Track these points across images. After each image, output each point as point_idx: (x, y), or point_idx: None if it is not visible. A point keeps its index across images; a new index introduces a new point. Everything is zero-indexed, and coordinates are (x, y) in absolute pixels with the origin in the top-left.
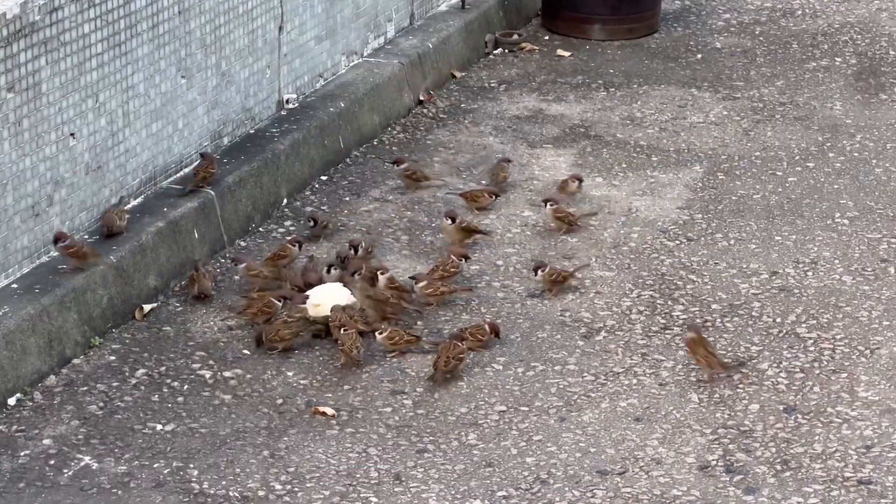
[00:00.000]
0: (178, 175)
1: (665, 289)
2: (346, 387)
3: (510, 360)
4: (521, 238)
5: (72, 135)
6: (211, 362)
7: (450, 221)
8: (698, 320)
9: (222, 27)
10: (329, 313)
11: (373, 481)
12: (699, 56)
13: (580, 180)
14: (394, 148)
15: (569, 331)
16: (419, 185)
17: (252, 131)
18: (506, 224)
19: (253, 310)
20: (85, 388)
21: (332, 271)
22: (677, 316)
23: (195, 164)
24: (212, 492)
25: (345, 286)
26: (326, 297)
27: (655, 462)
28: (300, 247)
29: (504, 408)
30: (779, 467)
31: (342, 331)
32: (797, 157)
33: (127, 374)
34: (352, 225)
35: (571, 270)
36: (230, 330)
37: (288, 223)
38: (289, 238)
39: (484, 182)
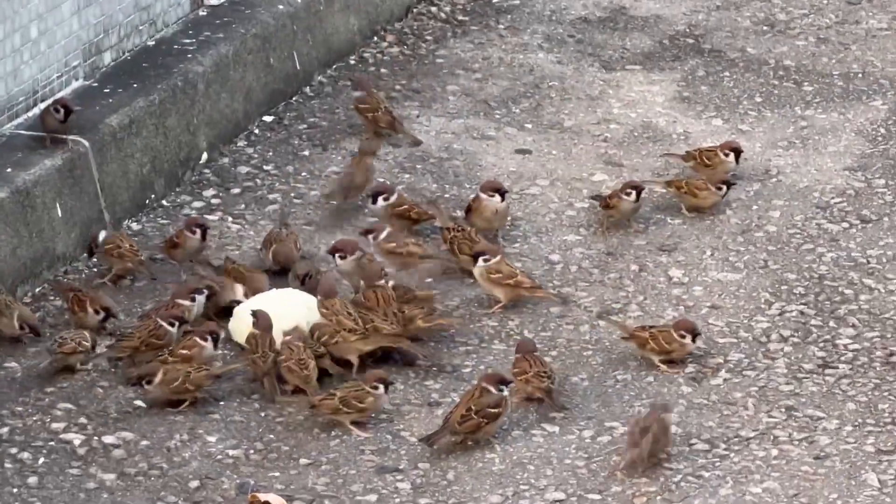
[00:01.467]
0: (31, 114)
1: (825, 301)
2: (303, 460)
3: (572, 418)
4: (588, 218)
5: None
6: (83, 420)
7: (499, 198)
8: (878, 352)
9: None
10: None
11: None
12: None
13: (638, 190)
14: (382, 70)
15: (665, 372)
16: (414, 224)
17: (151, 43)
18: (563, 194)
19: (133, 341)
20: None
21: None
22: (845, 345)
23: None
24: None
25: (309, 291)
26: (274, 316)
27: None
28: (203, 234)
29: (561, 496)
30: None
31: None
32: None
33: None
34: (313, 196)
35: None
36: (114, 369)
37: (209, 193)
38: (188, 219)
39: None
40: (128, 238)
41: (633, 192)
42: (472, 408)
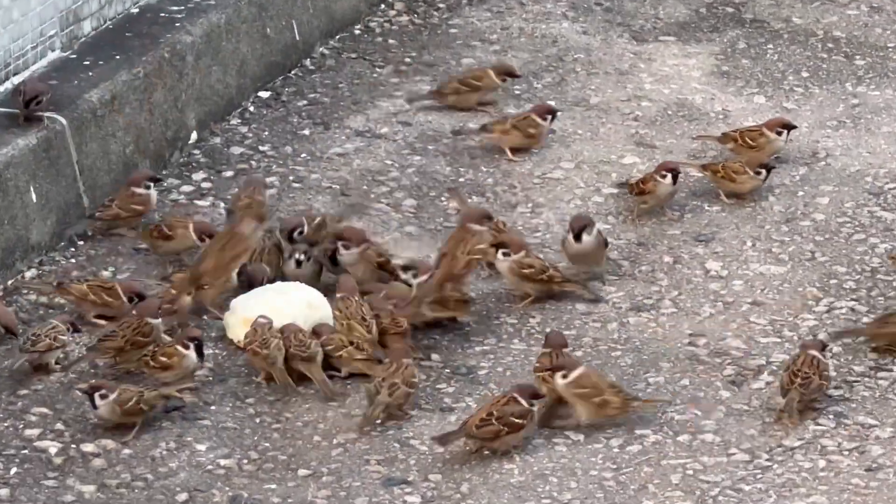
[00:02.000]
0: (2, 88)
1: (878, 297)
2: (302, 470)
3: (599, 425)
4: (617, 205)
5: None
6: (59, 427)
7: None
8: None
9: None
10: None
11: None
12: None
13: (675, 173)
14: (390, 41)
15: (703, 371)
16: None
17: (135, 10)
18: (589, 179)
19: (117, 340)
20: None
21: (302, 263)
22: None
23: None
24: None
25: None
26: (270, 309)
27: None
28: (201, 237)
29: None
30: None
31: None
32: None
33: None
34: (314, 181)
35: None
36: (94, 370)
37: (199, 176)
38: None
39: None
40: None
41: (669, 175)
42: (494, 413)
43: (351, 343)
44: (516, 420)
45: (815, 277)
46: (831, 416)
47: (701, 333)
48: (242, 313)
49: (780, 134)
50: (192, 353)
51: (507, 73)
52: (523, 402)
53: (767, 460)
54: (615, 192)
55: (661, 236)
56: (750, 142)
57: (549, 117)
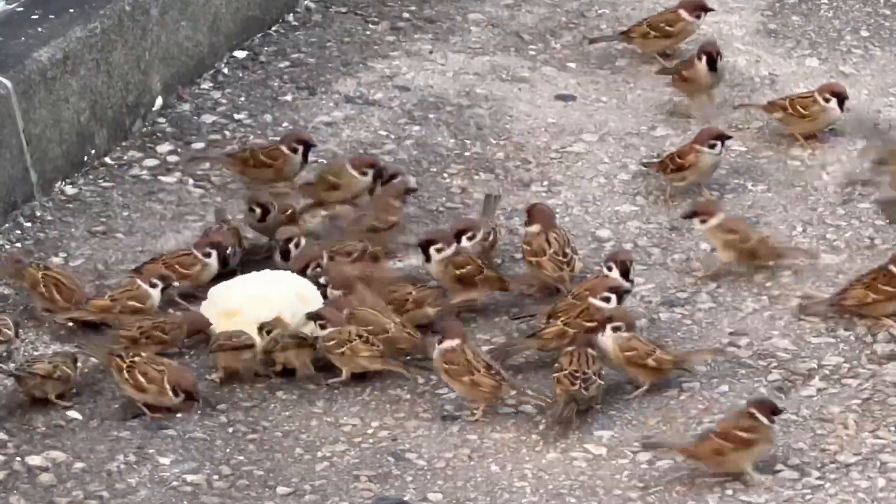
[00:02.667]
0: None
1: None
2: (282, 488)
3: (624, 438)
4: (647, 183)
5: None
6: (2, 436)
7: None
8: None
9: None
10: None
11: None
12: None
13: (722, 139)
14: None
15: (745, 376)
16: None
17: None
18: (615, 153)
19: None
20: None
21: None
22: None
23: None
24: None
25: (305, 274)
26: (250, 300)
27: None
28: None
29: None
30: None
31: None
32: None
33: None
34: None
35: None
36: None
37: (165, 147)
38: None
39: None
40: None
41: (718, 143)
42: (717, 429)
43: (359, 336)
44: (743, 435)
45: (874, 267)
46: (892, 429)
47: (743, 332)
48: (223, 304)
49: (827, 101)
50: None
51: (700, 8)
52: (761, 417)
53: (819, 478)
54: (644, 169)
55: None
56: (801, 110)
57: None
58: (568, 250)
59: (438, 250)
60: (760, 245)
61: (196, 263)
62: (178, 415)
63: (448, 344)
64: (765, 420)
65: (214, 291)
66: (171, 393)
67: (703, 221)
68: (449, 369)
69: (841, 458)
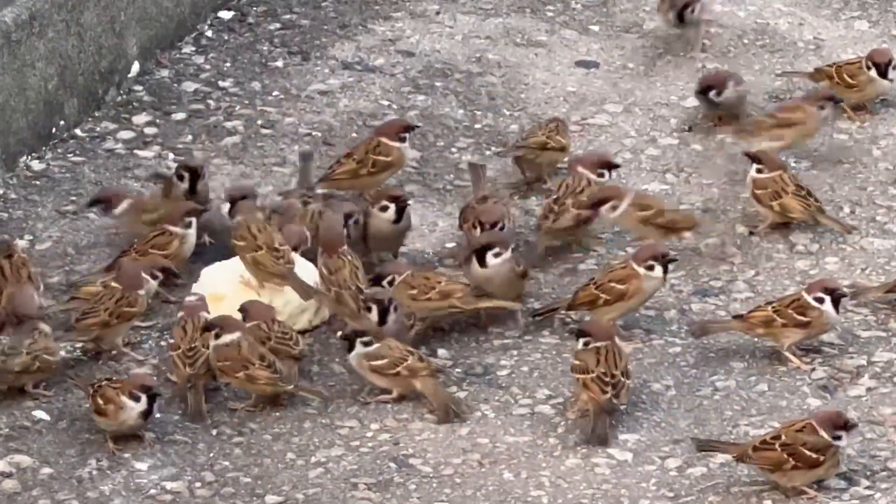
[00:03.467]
0: None
1: None
2: (271, 497)
3: (652, 441)
4: (677, 158)
5: None
6: None
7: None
8: None
9: None
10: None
11: None
12: None
13: (834, 101)
14: None
15: (787, 373)
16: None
17: None
18: (643, 126)
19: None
20: None
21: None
22: None
23: None
24: None
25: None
26: (237, 286)
27: None
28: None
29: None
30: None
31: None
32: None
33: None
34: (289, 126)
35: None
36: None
37: (142, 118)
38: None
39: None
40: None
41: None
42: (783, 437)
43: (261, 360)
44: (809, 453)
45: None
46: None
47: None
48: (210, 288)
49: (870, 69)
50: (136, 405)
51: None
52: (823, 433)
53: (868, 488)
54: (675, 143)
55: (733, 199)
56: (848, 79)
57: None
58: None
59: (496, 255)
60: (675, 215)
61: (173, 240)
62: (157, 415)
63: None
64: (832, 438)
65: (206, 273)
66: (129, 400)
67: (614, 208)
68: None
69: (893, 465)
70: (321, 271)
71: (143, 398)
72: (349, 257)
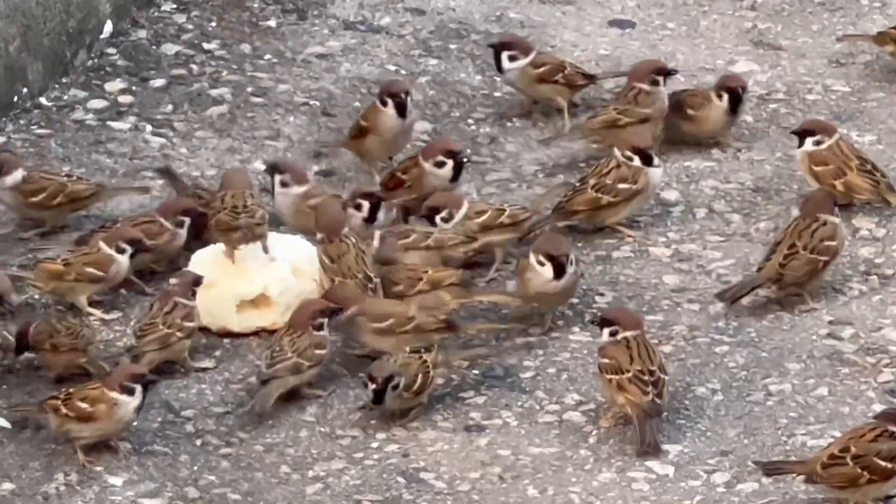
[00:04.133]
0: None
1: None
2: None
3: (697, 453)
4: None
5: None
6: None
7: None
8: None
9: None
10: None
11: None
12: None
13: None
14: None
15: (849, 376)
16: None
17: None
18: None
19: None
20: None
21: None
22: None
23: None
24: None
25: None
26: (228, 272)
27: None
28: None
29: None
30: None
31: None
32: None
33: None
34: (283, 94)
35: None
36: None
37: (116, 85)
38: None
39: None
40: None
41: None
42: (852, 449)
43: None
44: (884, 464)
45: None
46: None
47: (846, 321)
48: (200, 273)
49: None
50: (130, 400)
51: None
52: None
53: None
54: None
55: (787, 178)
56: None
57: None
58: None
59: (571, 263)
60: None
61: (163, 233)
62: (133, 423)
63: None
64: None
65: (197, 256)
66: (123, 395)
67: (446, 219)
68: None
69: None
70: (322, 261)
71: (138, 389)
72: (353, 240)
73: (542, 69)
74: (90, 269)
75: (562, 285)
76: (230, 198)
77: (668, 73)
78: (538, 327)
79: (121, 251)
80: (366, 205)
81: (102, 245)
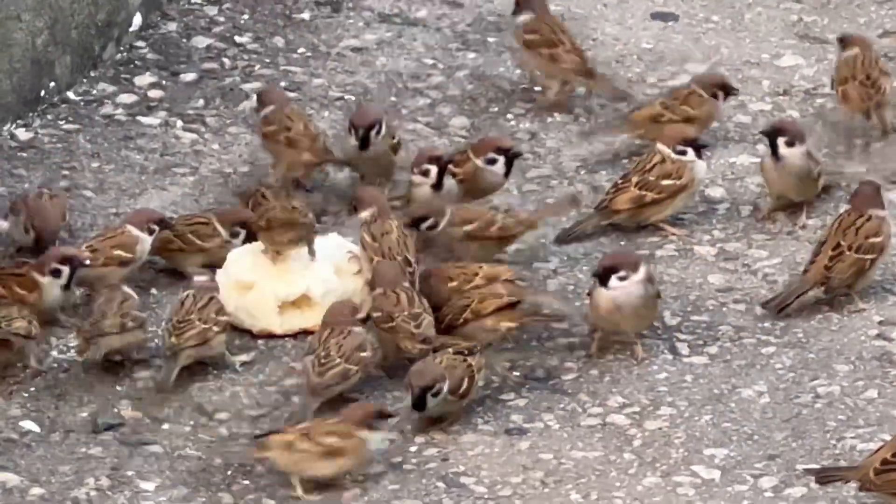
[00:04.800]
0: None
1: None
2: None
3: (744, 457)
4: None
5: None
6: None
7: None
8: None
9: None
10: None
11: None
12: None
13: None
14: None
15: None
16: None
17: None
18: None
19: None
20: None
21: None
22: None
23: None
24: None
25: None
26: (269, 272)
27: None
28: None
29: None
30: None
31: None
32: None
33: None
34: (318, 88)
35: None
36: None
37: (146, 80)
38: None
39: None
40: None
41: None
42: None
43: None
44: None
45: None
46: None
47: (891, 319)
48: (237, 274)
49: None
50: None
51: None
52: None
53: None
54: (769, 108)
55: (835, 174)
56: None
57: None
58: None
59: (622, 279)
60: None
61: (216, 236)
62: (166, 426)
63: None
64: None
65: (234, 255)
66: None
67: (432, 227)
68: None
69: None
70: (363, 239)
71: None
72: (397, 221)
73: None
74: (118, 252)
75: (620, 303)
76: (278, 198)
77: (729, 90)
78: (582, 327)
79: (150, 232)
80: (433, 170)
81: (129, 227)
